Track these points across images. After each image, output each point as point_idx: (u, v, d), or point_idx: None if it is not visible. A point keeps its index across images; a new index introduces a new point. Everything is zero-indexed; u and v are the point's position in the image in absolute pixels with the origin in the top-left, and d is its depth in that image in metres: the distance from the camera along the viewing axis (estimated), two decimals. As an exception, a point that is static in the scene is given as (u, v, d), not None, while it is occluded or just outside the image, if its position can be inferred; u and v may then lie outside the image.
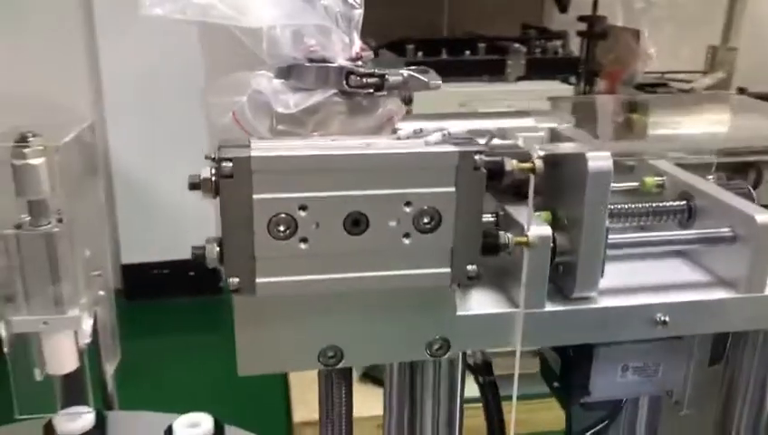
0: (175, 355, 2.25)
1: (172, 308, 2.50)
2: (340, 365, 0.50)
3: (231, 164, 0.40)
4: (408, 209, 0.43)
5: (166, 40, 2.12)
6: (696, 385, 0.65)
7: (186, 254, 0.42)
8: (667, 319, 0.54)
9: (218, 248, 0.43)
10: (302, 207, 0.42)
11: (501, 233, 0.47)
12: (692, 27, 3.12)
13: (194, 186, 0.42)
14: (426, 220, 0.43)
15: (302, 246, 0.42)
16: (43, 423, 0.94)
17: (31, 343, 0.87)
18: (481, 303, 0.52)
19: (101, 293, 0.91)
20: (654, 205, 0.60)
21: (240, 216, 0.41)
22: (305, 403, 1.67)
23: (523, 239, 0.47)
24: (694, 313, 0.55)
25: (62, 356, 0.87)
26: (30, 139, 0.81)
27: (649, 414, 0.73)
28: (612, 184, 0.51)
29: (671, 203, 0.61)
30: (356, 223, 0.42)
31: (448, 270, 0.45)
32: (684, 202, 0.61)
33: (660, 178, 0.63)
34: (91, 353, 0.94)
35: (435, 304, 0.49)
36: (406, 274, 0.44)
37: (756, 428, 0.63)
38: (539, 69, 1.88)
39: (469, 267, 0.45)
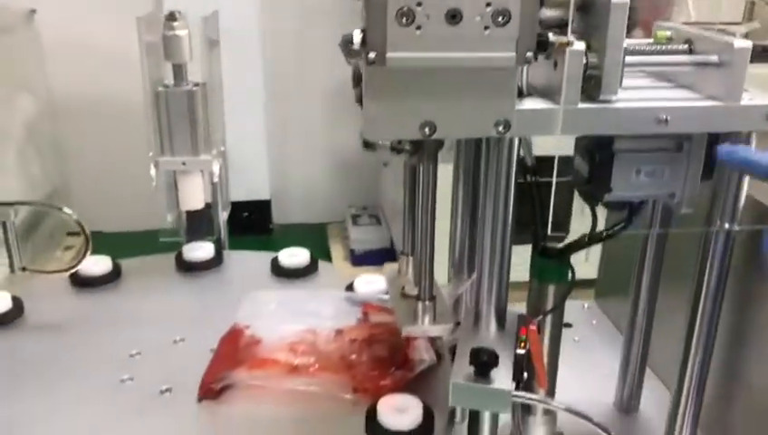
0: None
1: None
2: (435, 136, 0.72)
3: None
4: (488, 9, 0.64)
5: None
6: (692, 189, 0.85)
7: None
8: (668, 118, 0.75)
9: (362, 34, 0.65)
10: (419, 4, 0.64)
11: (550, 34, 0.68)
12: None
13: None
14: (500, 18, 0.65)
15: (418, 32, 0.65)
16: (175, 254, 1.19)
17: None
18: (533, 102, 0.74)
19: (222, 148, 1.15)
20: (662, 46, 0.81)
21: (378, 6, 0.63)
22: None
23: (565, 41, 0.69)
24: (688, 115, 0.76)
25: (193, 194, 1.11)
26: (177, 15, 1.04)
27: (658, 222, 0.95)
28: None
29: (676, 46, 0.81)
30: (453, 16, 0.64)
31: (514, 54, 0.67)
32: (686, 45, 0.81)
33: (669, 32, 0.84)
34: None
35: (502, 90, 0.70)
36: (486, 55, 0.66)
37: (733, 216, 0.84)
38: None
39: (528, 54, 0.67)
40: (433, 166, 0.80)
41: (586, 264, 1.16)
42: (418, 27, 0.64)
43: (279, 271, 1.19)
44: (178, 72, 1.05)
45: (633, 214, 0.90)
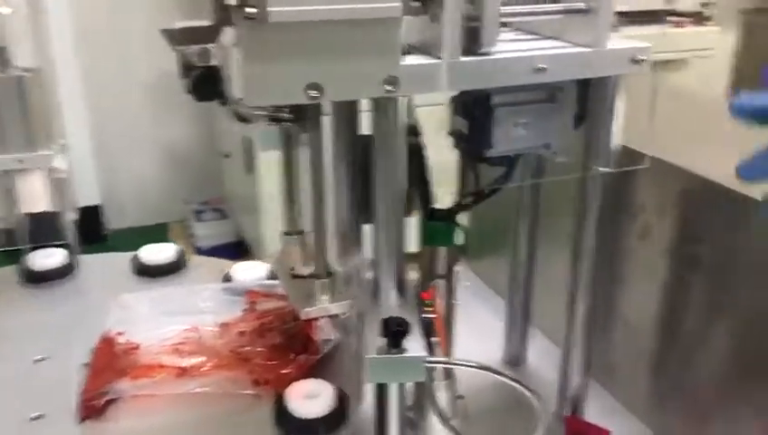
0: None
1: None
2: (322, 99, 0.67)
3: None
4: (370, -43, 0.61)
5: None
6: (566, 138, 0.87)
7: None
8: (545, 66, 0.76)
9: (237, -12, 0.58)
10: (299, -46, 0.58)
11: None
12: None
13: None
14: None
15: (300, -16, 0.59)
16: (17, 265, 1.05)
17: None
18: (416, 59, 0.71)
19: (63, 142, 1.02)
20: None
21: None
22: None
23: (448, -8, 0.67)
24: (562, 62, 0.77)
25: (34, 195, 0.98)
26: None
27: (533, 173, 0.96)
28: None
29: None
30: (337, -33, 0.60)
31: (400, 3, 0.63)
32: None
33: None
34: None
35: (388, 44, 0.67)
36: (373, 6, 0.62)
37: (607, 160, 0.87)
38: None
39: (412, 2, 0.64)
40: (319, 133, 0.76)
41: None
42: (300, -21, 0.59)
43: (143, 270, 1.09)
44: (2, 56, 0.92)
45: (512, 168, 0.91)
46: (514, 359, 1.13)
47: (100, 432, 0.73)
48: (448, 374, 1.00)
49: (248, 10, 0.59)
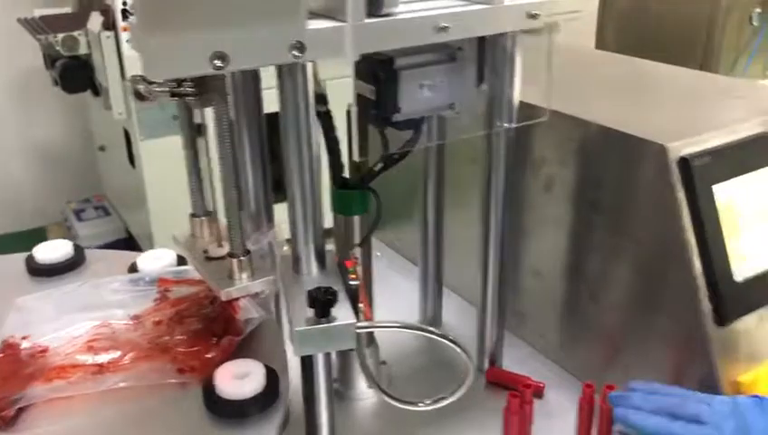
0: None
1: None
2: (228, 68, 0.65)
3: None
4: None
5: None
6: (469, 96, 0.89)
7: None
8: (447, 25, 0.77)
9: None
10: None
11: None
12: None
13: None
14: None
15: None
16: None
17: None
18: (321, 22, 0.70)
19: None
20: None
21: None
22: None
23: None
24: (464, 19, 0.78)
25: None
26: None
27: (438, 135, 0.98)
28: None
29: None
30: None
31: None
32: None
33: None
34: None
35: (293, 7, 0.65)
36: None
37: (510, 116, 0.89)
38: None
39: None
40: (225, 107, 0.73)
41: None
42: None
43: (38, 270, 1.01)
44: None
45: (419, 131, 0.91)
46: (431, 320, 1.15)
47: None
48: (371, 341, 1.00)
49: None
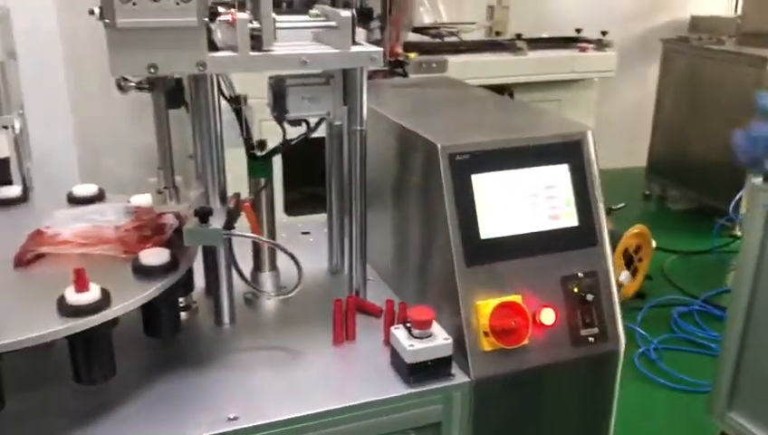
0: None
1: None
2: (158, 74, 1.16)
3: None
4: (177, -8, 1.10)
5: None
6: (339, 108, 1.36)
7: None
8: (307, 60, 1.25)
9: (99, 9, 1.08)
10: (134, -10, 1.08)
11: (220, 8, 1.15)
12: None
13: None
14: (185, -2, 1.11)
15: (134, 6, 1.09)
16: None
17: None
18: (224, 53, 1.21)
19: (21, 111, 1.51)
20: (312, 19, 1.31)
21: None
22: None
23: (232, 12, 1.17)
24: (319, 58, 1.25)
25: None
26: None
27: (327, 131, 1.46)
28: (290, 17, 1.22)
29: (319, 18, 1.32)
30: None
31: (195, 18, 1.13)
32: (324, 16, 1.32)
33: (317, 10, 1.34)
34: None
35: (196, 41, 1.16)
36: (178, 20, 1.12)
37: (362, 120, 1.37)
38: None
39: (204, 19, 1.13)
40: (161, 99, 1.25)
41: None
42: (134, 3, 1.09)
43: (74, 201, 1.56)
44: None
45: (309, 127, 1.40)
46: (334, 269, 1.62)
47: (27, 275, 1.21)
48: (273, 268, 1.49)
49: (106, 21, 1.08)
